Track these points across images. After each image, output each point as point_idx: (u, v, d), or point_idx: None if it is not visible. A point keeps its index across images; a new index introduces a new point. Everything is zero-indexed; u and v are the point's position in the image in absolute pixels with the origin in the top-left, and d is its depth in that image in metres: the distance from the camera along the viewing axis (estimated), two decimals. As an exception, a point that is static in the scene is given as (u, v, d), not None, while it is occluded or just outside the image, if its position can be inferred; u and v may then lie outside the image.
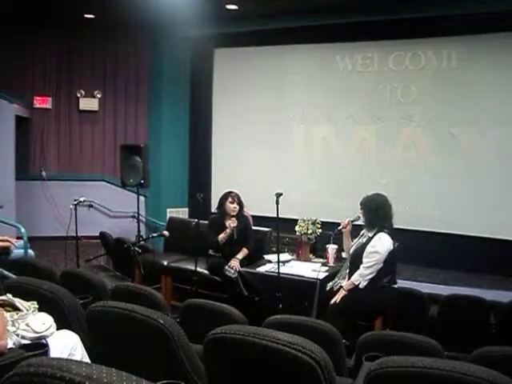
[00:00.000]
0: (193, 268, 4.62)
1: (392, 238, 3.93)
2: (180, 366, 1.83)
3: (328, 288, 4.18)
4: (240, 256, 4.80)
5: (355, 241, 4.20)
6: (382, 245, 3.88)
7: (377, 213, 3.99)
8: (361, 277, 3.89)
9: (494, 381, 1.31)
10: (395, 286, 4.05)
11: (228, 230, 4.82)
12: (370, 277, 3.87)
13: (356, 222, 4.25)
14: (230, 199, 4.95)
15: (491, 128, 6.40)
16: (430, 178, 6.75)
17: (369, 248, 3.92)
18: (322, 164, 7.53)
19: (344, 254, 4.58)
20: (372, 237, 3.97)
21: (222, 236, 4.85)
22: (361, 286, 3.88)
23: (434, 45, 6.66)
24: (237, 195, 5.02)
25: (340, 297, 3.92)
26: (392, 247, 3.91)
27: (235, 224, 4.83)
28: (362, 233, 4.17)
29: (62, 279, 3.39)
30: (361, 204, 4.12)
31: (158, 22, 7.34)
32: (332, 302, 3.94)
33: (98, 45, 8.29)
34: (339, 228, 4.32)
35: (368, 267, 3.88)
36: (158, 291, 3.79)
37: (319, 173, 7.53)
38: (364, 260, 3.91)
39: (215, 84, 8.31)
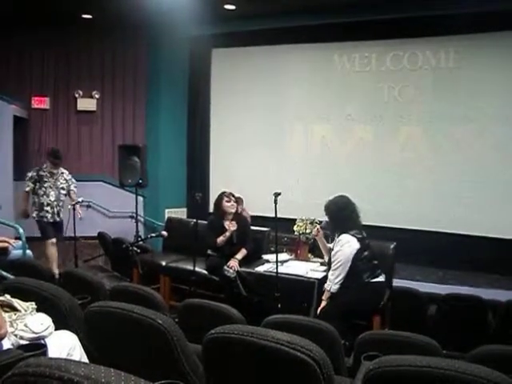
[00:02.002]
0: (191, 268, 4.60)
1: (357, 238, 3.88)
2: (178, 365, 1.83)
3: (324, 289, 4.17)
4: (239, 256, 4.78)
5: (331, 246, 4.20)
6: (340, 245, 3.88)
7: (340, 215, 3.97)
8: (330, 282, 3.88)
9: (493, 379, 1.31)
10: (379, 279, 3.96)
11: (227, 234, 4.81)
12: (339, 279, 3.84)
13: (326, 228, 4.23)
14: (225, 198, 4.94)
15: (488, 127, 6.42)
16: (428, 177, 6.76)
17: (332, 252, 3.94)
18: (321, 163, 7.53)
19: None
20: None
21: (220, 239, 4.83)
22: (332, 290, 3.86)
23: (432, 44, 6.68)
24: (231, 193, 5.00)
25: (322, 306, 3.91)
26: (357, 245, 3.86)
27: (235, 228, 4.80)
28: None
29: (60, 279, 3.39)
30: (325, 209, 4.09)
31: (156, 22, 7.34)
32: (318, 311, 3.93)
33: (96, 45, 8.28)
34: (312, 236, 4.32)
35: (333, 270, 3.88)
36: (157, 291, 3.79)
37: (317, 172, 7.53)
38: (331, 265, 3.93)
39: (213, 84, 8.32)
